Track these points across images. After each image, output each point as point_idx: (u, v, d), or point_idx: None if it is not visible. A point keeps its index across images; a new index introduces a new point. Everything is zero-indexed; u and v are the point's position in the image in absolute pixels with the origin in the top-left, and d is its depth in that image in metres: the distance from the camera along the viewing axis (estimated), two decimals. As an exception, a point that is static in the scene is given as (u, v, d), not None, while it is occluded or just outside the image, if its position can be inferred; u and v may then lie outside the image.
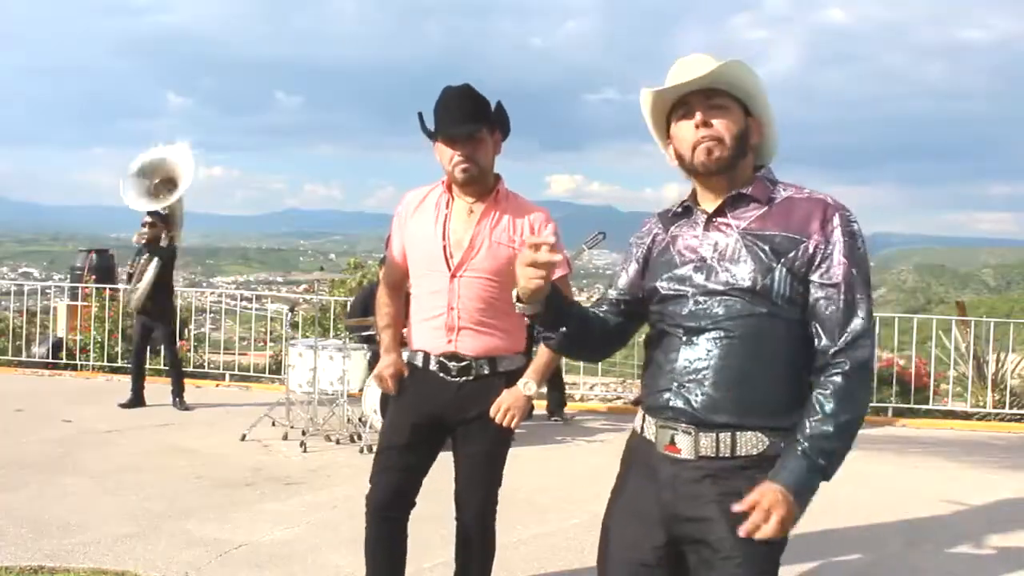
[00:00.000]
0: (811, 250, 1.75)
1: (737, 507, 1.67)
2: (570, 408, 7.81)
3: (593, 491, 4.72)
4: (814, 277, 1.75)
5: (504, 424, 2.59)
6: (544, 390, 7.35)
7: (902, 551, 4.05)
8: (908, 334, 8.45)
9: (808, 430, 1.69)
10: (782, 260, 1.75)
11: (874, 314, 1.78)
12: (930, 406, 8.06)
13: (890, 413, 7.84)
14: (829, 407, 1.69)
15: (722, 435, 1.75)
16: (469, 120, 2.54)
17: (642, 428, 1.90)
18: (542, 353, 2.70)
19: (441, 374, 2.62)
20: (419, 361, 2.68)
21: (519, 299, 1.79)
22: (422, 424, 2.65)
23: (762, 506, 1.65)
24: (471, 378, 2.61)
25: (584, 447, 6.34)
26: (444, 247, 2.60)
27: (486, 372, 2.62)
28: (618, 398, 8.84)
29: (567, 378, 8.13)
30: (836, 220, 1.76)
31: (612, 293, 2.02)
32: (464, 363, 2.60)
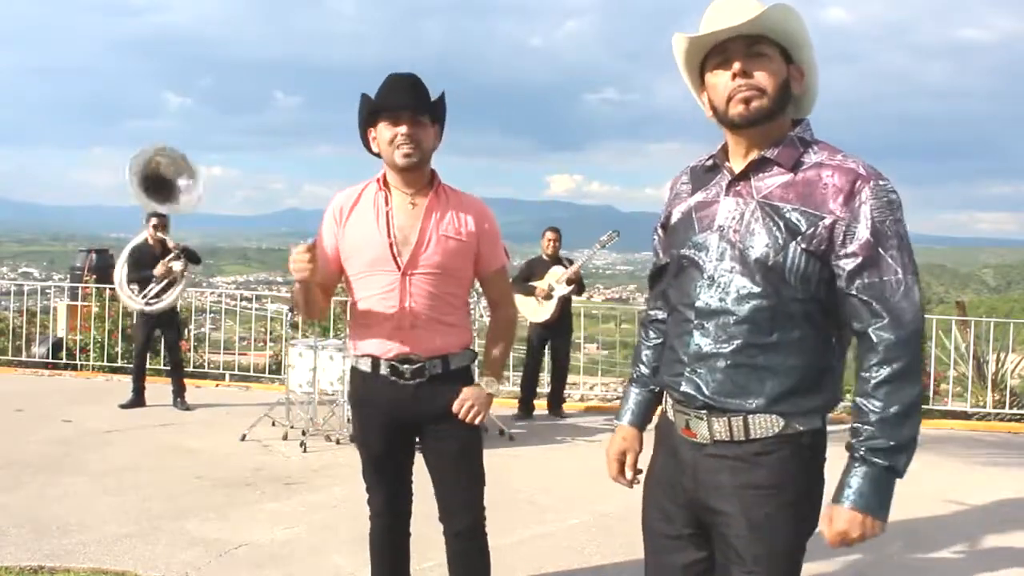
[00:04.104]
0: (832, 228, 1.63)
1: (833, 544, 1.69)
2: (570, 407, 7.81)
3: (593, 491, 4.74)
4: (837, 257, 1.65)
5: (468, 420, 2.53)
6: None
7: (902, 551, 4.05)
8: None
9: (861, 436, 1.62)
10: (798, 237, 1.65)
11: (920, 291, 1.64)
12: (930, 406, 8.06)
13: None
14: (875, 404, 1.61)
15: (734, 420, 1.71)
16: (416, 98, 2.49)
17: (665, 408, 1.89)
18: (496, 351, 2.69)
19: (393, 378, 2.53)
20: (367, 367, 2.57)
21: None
22: (390, 428, 2.60)
23: (836, 530, 1.66)
24: (424, 380, 2.53)
25: (584, 447, 6.34)
26: (391, 244, 2.50)
27: (439, 372, 2.54)
28: (618, 398, 8.83)
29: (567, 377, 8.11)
30: (866, 193, 1.63)
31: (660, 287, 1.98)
32: (417, 365, 2.52)
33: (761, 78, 1.68)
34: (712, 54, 1.74)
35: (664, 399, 1.90)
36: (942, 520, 4.60)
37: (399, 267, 2.50)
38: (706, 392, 1.74)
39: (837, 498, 1.65)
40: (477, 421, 2.55)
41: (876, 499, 1.63)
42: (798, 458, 1.72)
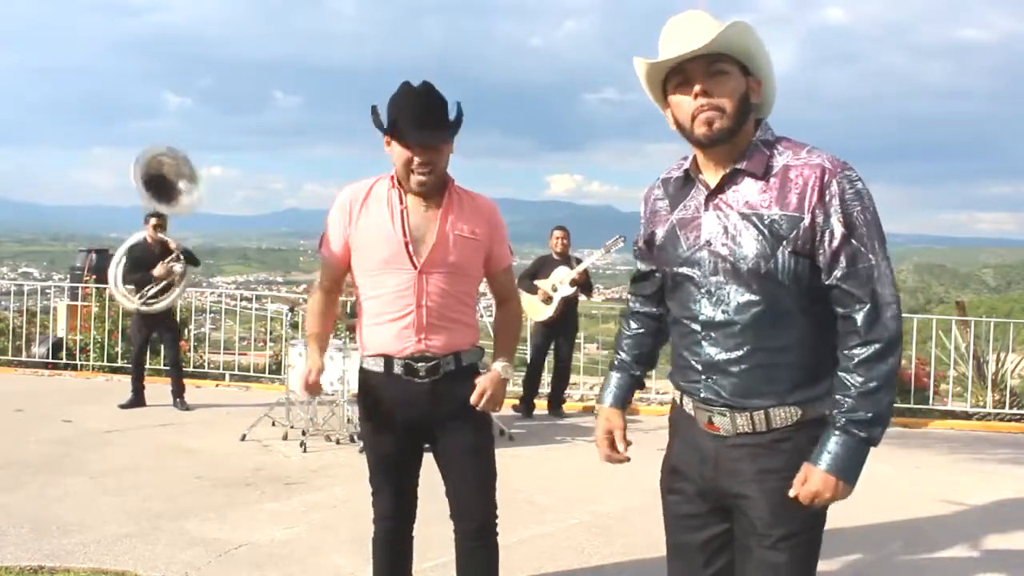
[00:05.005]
0: (810, 226, 1.72)
1: (792, 494, 1.74)
2: (570, 407, 7.81)
3: (593, 491, 4.74)
4: (818, 252, 1.74)
5: (487, 409, 2.55)
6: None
7: (902, 551, 4.05)
8: (908, 334, 8.44)
9: (843, 407, 1.72)
10: (784, 242, 1.73)
11: (892, 273, 1.75)
12: (930, 406, 8.06)
13: (890, 413, 7.84)
14: (856, 379, 1.71)
15: (756, 414, 1.80)
16: (435, 128, 2.44)
17: (680, 402, 1.96)
18: (507, 336, 2.72)
19: (407, 377, 2.53)
20: (379, 366, 2.56)
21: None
22: (402, 428, 2.60)
23: (809, 489, 1.72)
24: (439, 377, 2.53)
25: (584, 447, 6.34)
26: (406, 243, 2.49)
27: (452, 368, 2.55)
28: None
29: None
30: (834, 187, 1.72)
31: (648, 289, 2.06)
32: (432, 363, 2.52)
33: (722, 98, 1.75)
34: (672, 74, 1.81)
35: (680, 396, 1.96)
36: (942, 520, 4.60)
37: (415, 266, 2.50)
38: (725, 396, 1.82)
39: (814, 460, 1.74)
40: (495, 410, 2.59)
41: (850, 465, 1.72)
42: (814, 444, 1.80)
